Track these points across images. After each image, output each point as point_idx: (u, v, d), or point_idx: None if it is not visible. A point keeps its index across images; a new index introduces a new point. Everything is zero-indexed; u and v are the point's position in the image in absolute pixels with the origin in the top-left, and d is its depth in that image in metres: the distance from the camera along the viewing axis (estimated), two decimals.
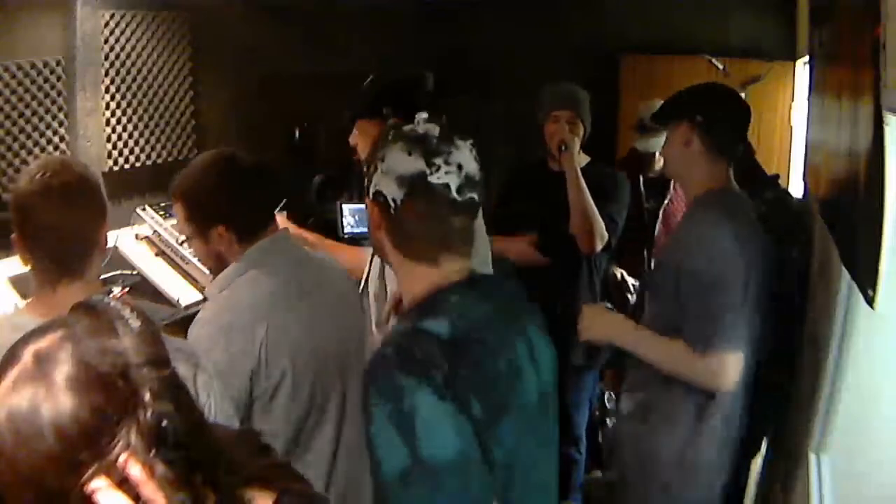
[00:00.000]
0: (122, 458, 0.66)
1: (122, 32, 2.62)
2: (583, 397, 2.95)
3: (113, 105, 2.63)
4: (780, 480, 2.06)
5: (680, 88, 2.04)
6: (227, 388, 1.48)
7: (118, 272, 2.36)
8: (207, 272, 2.32)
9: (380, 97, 2.37)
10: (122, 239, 2.44)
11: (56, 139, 2.43)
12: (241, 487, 0.81)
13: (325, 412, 1.69)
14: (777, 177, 2.81)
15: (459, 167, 1.19)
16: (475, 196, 1.21)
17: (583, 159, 2.75)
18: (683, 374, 1.81)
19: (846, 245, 1.51)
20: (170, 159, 2.87)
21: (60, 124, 2.44)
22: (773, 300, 1.86)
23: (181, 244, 1.75)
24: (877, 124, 1.19)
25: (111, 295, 2.27)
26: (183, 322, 2.05)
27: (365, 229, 2.89)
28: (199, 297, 2.31)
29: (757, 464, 2.28)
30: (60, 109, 2.43)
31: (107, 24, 2.57)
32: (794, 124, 3.61)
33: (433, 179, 1.17)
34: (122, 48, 2.63)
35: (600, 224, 2.63)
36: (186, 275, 2.41)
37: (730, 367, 1.75)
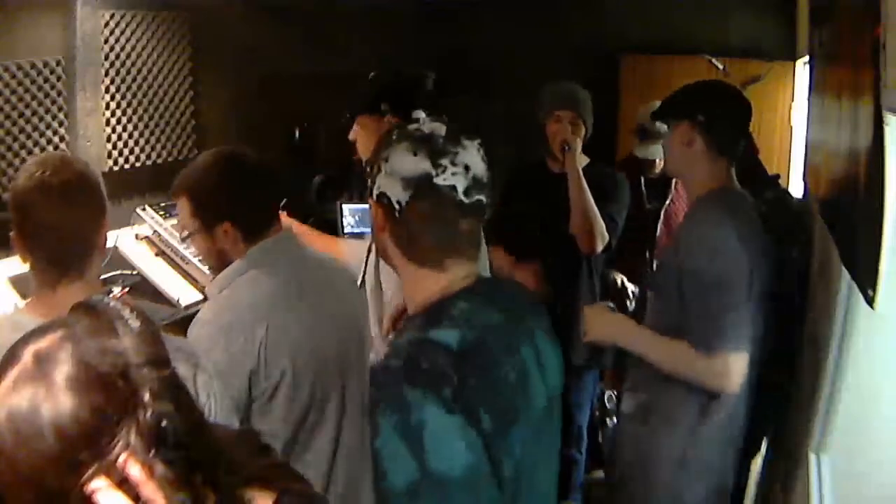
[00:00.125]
0: (121, 458, 0.66)
1: (122, 32, 2.62)
2: (584, 397, 2.95)
3: (113, 105, 2.63)
4: (780, 480, 2.06)
5: (695, 81, 2.03)
6: (226, 388, 1.48)
7: (118, 272, 2.36)
8: (207, 272, 2.33)
9: (380, 94, 2.37)
10: (122, 239, 2.44)
11: (56, 139, 2.43)
12: (240, 487, 0.81)
13: (324, 412, 1.69)
14: (777, 177, 2.81)
15: (467, 168, 1.15)
16: (483, 198, 1.18)
17: (582, 160, 2.75)
18: (687, 374, 1.80)
19: (846, 245, 1.51)
20: (170, 159, 2.87)
21: (60, 124, 2.44)
22: (773, 300, 1.85)
23: (185, 238, 1.73)
24: (877, 124, 1.19)
25: (111, 295, 2.27)
26: (183, 322, 2.05)
27: (365, 229, 2.90)
28: (199, 297, 2.31)
29: (757, 464, 2.28)
30: (60, 109, 2.43)
31: (107, 24, 2.57)
32: (794, 124, 3.61)
33: (439, 181, 1.14)
34: (122, 48, 2.63)
35: (601, 224, 2.63)
36: (186, 275, 2.41)
37: (734, 368, 1.74)
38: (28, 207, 1.35)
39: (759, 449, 2.21)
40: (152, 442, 0.68)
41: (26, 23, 2.33)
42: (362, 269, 2.39)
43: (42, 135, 2.38)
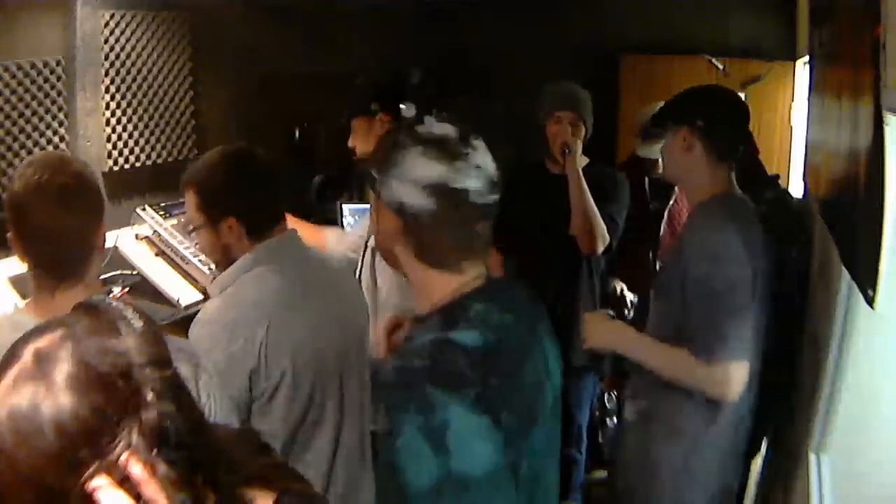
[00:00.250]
0: (123, 458, 0.66)
1: (122, 32, 2.62)
2: (584, 397, 2.95)
3: (113, 105, 2.63)
4: (780, 480, 2.06)
5: (680, 89, 2.01)
6: (226, 388, 1.48)
7: (118, 272, 2.36)
8: (207, 272, 2.33)
9: (368, 95, 2.40)
10: (122, 239, 2.44)
11: (56, 139, 2.43)
12: (240, 487, 0.81)
13: (324, 412, 1.69)
14: (777, 177, 2.81)
15: (479, 168, 1.15)
16: (496, 198, 1.18)
17: (582, 160, 2.74)
18: (688, 382, 1.78)
19: (846, 245, 1.51)
20: (170, 159, 2.87)
21: (60, 124, 2.44)
22: (773, 300, 1.85)
23: (191, 232, 1.73)
24: (877, 124, 1.19)
25: (111, 295, 2.27)
26: (183, 322, 2.05)
27: None
28: (199, 297, 2.31)
29: (757, 464, 2.28)
30: (60, 109, 2.43)
31: (107, 24, 2.57)
32: (794, 124, 3.61)
33: (456, 184, 1.13)
34: (122, 48, 2.63)
35: (602, 226, 2.63)
36: (186, 275, 2.41)
37: (735, 377, 1.72)
38: (25, 211, 1.34)
39: (759, 449, 2.21)
40: (155, 441, 0.68)
41: (26, 23, 2.33)
42: (357, 266, 2.40)
43: (42, 135, 2.38)
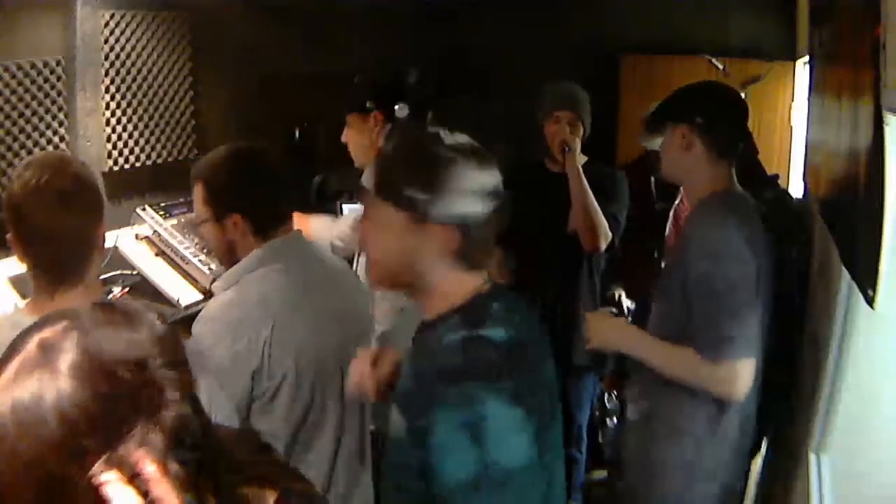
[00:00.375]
0: (135, 454, 0.66)
1: (122, 32, 2.62)
2: (584, 397, 2.95)
3: (113, 105, 2.63)
4: (780, 480, 2.06)
5: (689, 83, 2.00)
6: (228, 387, 1.48)
7: (118, 272, 2.36)
8: (207, 272, 2.33)
9: (364, 93, 2.41)
10: (122, 239, 2.44)
11: (56, 139, 2.43)
12: (241, 487, 0.81)
13: (325, 413, 1.69)
14: (777, 176, 2.81)
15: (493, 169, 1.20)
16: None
17: (581, 159, 2.74)
18: (693, 382, 1.76)
19: (846, 245, 1.51)
20: (170, 159, 2.87)
21: (60, 124, 2.44)
22: (773, 300, 1.85)
23: (198, 225, 1.73)
24: (877, 124, 1.19)
25: (111, 295, 2.27)
26: (183, 322, 2.05)
27: None
28: (200, 297, 2.31)
29: (757, 464, 2.28)
30: (60, 109, 2.43)
31: (107, 24, 2.57)
32: (794, 124, 3.60)
33: (497, 187, 1.19)
34: (122, 48, 2.63)
35: (604, 223, 2.63)
36: (186, 275, 2.41)
37: (741, 375, 1.70)
38: (24, 212, 1.34)
39: (759, 449, 2.21)
40: (172, 442, 0.68)
41: (26, 23, 2.33)
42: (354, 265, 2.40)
43: (42, 135, 2.38)
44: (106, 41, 2.57)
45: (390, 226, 1.18)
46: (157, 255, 2.46)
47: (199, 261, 2.39)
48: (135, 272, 2.39)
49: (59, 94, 2.42)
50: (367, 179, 1.23)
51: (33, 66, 2.32)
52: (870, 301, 1.25)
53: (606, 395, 3.32)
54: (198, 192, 1.68)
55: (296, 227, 1.76)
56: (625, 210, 2.76)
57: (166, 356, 0.71)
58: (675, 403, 1.83)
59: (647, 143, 3.22)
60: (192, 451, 0.69)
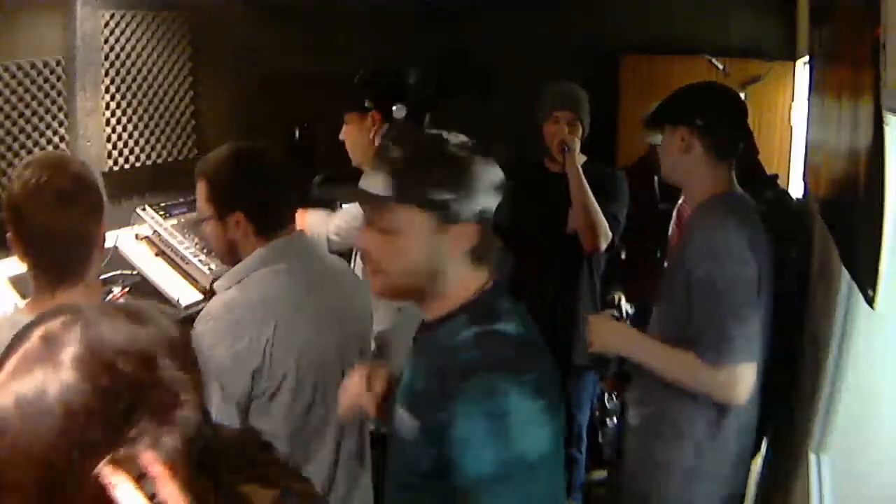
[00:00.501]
0: (144, 455, 0.65)
1: (122, 32, 2.62)
2: (584, 397, 2.95)
3: (113, 105, 2.63)
4: (780, 480, 2.06)
5: (687, 84, 1.98)
6: (228, 386, 1.48)
7: (118, 272, 2.36)
8: (207, 272, 2.33)
9: (363, 91, 2.42)
10: (122, 239, 2.44)
11: (56, 139, 2.43)
12: (241, 486, 0.80)
13: (326, 412, 1.69)
14: (776, 176, 2.81)
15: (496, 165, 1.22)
16: None
17: (581, 158, 2.75)
18: (694, 386, 1.75)
19: (846, 245, 1.51)
20: (170, 159, 2.87)
21: (60, 124, 2.44)
22: (773, 300, 1.84)
23: (201, 222, 1.73)
24: (877, 124, 1.19)
25: (111, 295, 2.27)
26: (183, 322, 2.05)
27: None
28: (200, 297, 2.31)
29: (757, 464, 2.28)
30: (60, 109, 2.43)
31: (107, 24, 2.57)
32: (794, 124, 3.61)
33: (503, 182, 1.21)
34: (122, 48, 2.63)
35: (604, 223, 2.63)
36: (186, 275, 2.41)
37: (742, 379, 1.69)
38: (24, 211, 1.34)
39: (759, 449, 2.21)
40: (185, 443, 0.67)
41: (26, 23, 2.33)
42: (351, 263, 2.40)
43: (42, 135, 2.38)
44: (106, 41, 2.57)
45: (414, 229, 1.16)
46: (157, 255, 2.46)
47: (199, 261, 2.39)
48: (135, 272, 2.38)
49: (59, 94, 2.42)
50: (367, 183, 1.20)
51: (33, 66, 2.32)
52: (870, 301, 1.25)
53: (606, 396, 3.32)
54: (201, 190, 1.68)
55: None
56: (625, 209, 2.76)
57: (177, 356, 0.71)
58: (677, 407, 1.82)
59: (651, 139, 3.22)
60: (202, 452, 0.69)
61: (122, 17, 2.61)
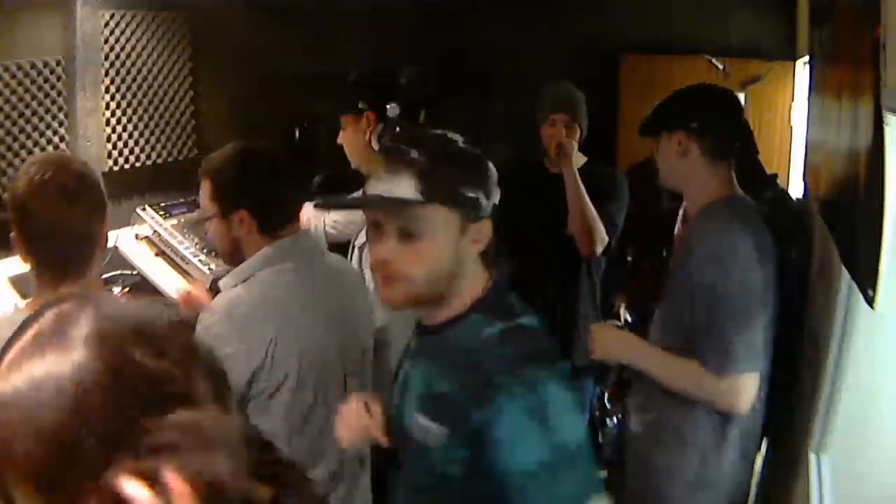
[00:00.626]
0: (158, 459, 0.63)
1: (122, 32, 2.62)
2: (584, 397, 2.95)
3: (113, 105, 2.63)
4: (780, 480, 2.06)
5: (680, 88, 1.96)
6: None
7: (118, 272, 2.36)
8: (207, 272, 2.33)
9: (357, 93, 2.42)
10: (122, 239, 2.44)
11: (56, 139, 2.43)
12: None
13: (327, 414, 1.69)
14: (775, 176, 2.80)
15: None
16: None
17: (580, 158, 2.74)
18: (696, 394, 1.74)
19: (846, 245, 1.51)
20: (170, 159, 2.88)
21: (60, 124, 2.44)
22: (775, 302, 1.84)
23: (206, 220, 1.74)
24: (877, 124, 1.19)
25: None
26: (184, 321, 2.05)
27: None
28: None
29: (757, 464, 2.28)
30: (60, 109, 2.44)
31: (107, 24, 2.57)
32: (794, 124, 3.61)
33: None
34: (122, 48, 2.63)
35: (600, 227, 2.63)
36: (186, 275, 2.41)
37: (745, 389, 1.68)
38: (27, 210, 1.35)
39: (759, 449, 2.21)
40: (197, 443, 0.65)
41: (26, 23, 2.33)
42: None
43: (42, 135, 2.38)
44: (106, 41, 2.57)
45: (440, 230, 1.14)
46: (157, 255, 2.46)
47: (199, 261, 2.39)
48: (135, 272, 2.39)
49: (59, 94, 2.42)
50: (387, 188, 1.13)
51: (33, 66, 2.32)
52: (870, 301, 1.25)
53: (606, 396, 3.32)
54: (205, 189, 1.68)
55: None
56: (624, 210, 2.75)
57: (198, 357, 0.70)
58: (680, 414, 1.81)
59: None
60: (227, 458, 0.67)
61: (122, 17, 2.61)
